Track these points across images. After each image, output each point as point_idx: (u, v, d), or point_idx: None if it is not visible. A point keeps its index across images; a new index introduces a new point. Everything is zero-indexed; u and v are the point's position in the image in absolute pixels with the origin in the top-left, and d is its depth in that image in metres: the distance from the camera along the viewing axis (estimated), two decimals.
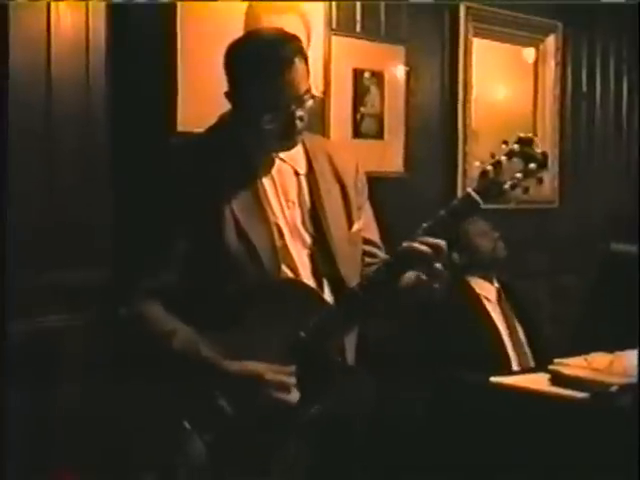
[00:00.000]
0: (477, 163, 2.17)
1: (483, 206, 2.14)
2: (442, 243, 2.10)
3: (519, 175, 2.14)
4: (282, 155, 2.22)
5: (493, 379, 3.28)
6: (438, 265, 2.12)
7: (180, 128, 3.22)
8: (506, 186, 2.14)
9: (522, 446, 3.08)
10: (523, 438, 3.09)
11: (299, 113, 2.12)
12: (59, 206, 2.97)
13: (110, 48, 3.07)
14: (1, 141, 2.85)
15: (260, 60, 2.09)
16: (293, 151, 2.23)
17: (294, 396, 2.07)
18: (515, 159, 2.14)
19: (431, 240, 2.10)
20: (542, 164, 2.16)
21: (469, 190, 2.14)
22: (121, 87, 3.11)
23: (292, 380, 2.08)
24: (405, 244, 2.11)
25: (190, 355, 2.07)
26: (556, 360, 3.33)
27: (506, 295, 3.91)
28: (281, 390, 2.07)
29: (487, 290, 3.88)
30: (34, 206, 2.92)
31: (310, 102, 2.14)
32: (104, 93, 3.07)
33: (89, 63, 3.03)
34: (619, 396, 2.97)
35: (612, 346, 3.38)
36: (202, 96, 3.19)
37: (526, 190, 2.17)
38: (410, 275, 2.16)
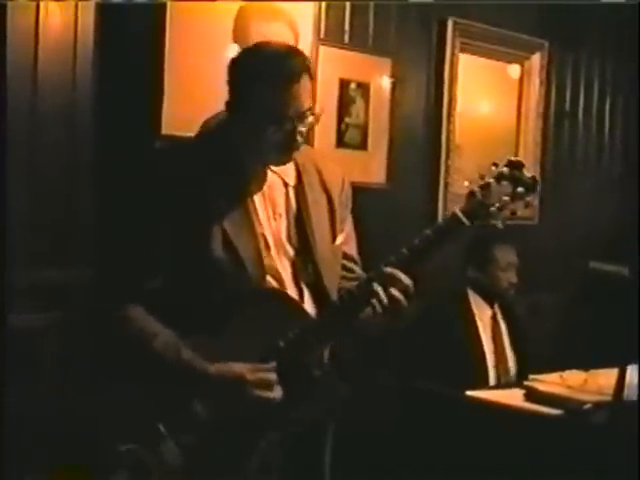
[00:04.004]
0: (466, 183, 2.15)
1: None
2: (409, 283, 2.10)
3: (507, 198, 2.12)
4: (273, 167, 2.21)
5: (468, 393, 3.29)
6: (396, 293, 2.09)
7: (165, 130, 3.21)
8: (493, 208, 2.12)
9: (494, 459, 3.09)
10: (495, 451, 3.09)
11: (300, 129, 2.11)
12: (41, 204, 2.96)
13: (98, 47, 3.06)
14: (1, 143, 2.84)
15: (270, 71, 2.07)
16: None
17: (277, 393, 2.07)
18: (504, 182, 2.13)
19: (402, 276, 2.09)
20: (531, 188, 2.14)
21: (456, 210, 2.13)
22: (107, 87, 3.10)
23: (273, 376, 2.07)
24: (387, 269, 2.10)
25: (171, 357, 2.07)
26: (531, 376, 3.35)
27: (503, 319, 3.92)
28: (263, 388, 2.06)
29: (483, 311, 3.89)
30: (16, 204, 2.89)
31: (311, 119, 2.13)
32: (90, 92, 3.06)
33: (76, 61, 3.02)
34: (592, 414, 2.99)
35: (588, 364, 3.40)
36: (188, 99, 3.19)
37: (513, 213, 2.16)
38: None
